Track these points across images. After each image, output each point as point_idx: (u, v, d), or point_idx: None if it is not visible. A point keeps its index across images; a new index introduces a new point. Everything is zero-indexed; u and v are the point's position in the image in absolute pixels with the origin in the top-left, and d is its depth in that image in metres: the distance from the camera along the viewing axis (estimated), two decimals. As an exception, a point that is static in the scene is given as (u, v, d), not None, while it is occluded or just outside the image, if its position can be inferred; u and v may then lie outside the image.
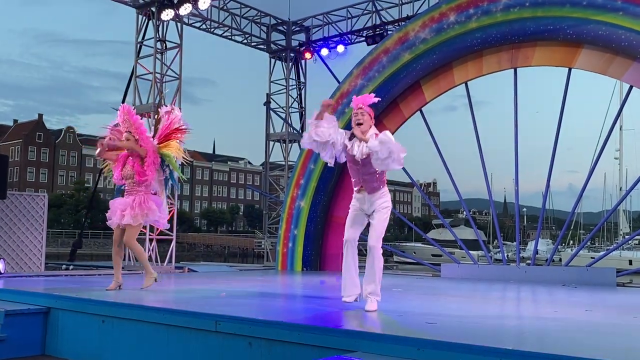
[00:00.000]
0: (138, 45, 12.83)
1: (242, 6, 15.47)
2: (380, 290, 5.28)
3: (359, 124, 5.29)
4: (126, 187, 6.72)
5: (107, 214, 6.74)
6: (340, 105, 11.43)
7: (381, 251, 5.31)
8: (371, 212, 5.32)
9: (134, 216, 6.50)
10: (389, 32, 12.99)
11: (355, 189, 5.44)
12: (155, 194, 6.83)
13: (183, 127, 6.96)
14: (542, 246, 37.67)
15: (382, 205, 5.29)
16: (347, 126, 12.03)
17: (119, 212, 6.55)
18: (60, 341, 5.62)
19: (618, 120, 12.85)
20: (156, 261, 12.09)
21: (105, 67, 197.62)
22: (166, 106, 7.23)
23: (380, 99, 5.61)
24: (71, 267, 12.59)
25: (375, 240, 5.25)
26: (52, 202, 46.36)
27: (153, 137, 6.96)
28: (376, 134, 5.22)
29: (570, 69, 9.92)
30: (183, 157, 6.96)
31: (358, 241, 5.52)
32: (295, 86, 16.81)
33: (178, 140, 6.92)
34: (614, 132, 12.10)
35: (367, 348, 3.70)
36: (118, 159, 6.77)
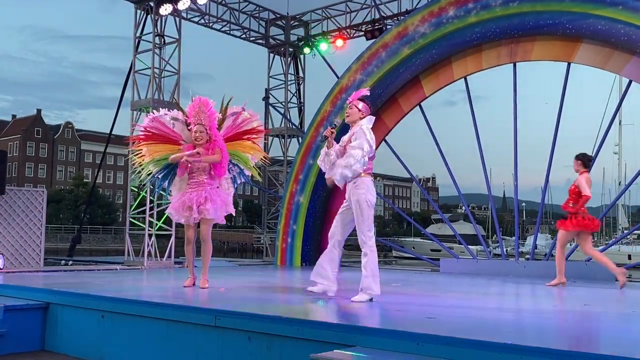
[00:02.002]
0: (136, 40, 12.79)
1: (241, 1, 15.42)
2: (376, 285, 5.29)
3: (347, 116, 5.57)
4: (192, 180, 6.43)
5: (170, 211, 6.53)
6: (339, 100, 11.41)
7: (371, 244, 5.34)
8: (353, 202, 5.38)
9: (217, 210, 6.36)
10: (388, 27, 12.96)
11: None
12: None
13: (259, 127, 6.78)
14: (541, 241, 37.67)
15: (360, 197, 5.32)
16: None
17: (196, 206, 6.29)
18: (60, 336, 5.63)
19: (617, 115, 12.84)
20: (155, 256, 12.08)
21: (104, 62, 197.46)
22: (233, 107, 6.89)
23: (369, 92, 5.80)
24: (70, 262, 12.60)
25: (363, 236, 5.32)
26: (51, 198, 46.31)
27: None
28: (352, 134, 5.41)
29: (569, 64, 9.90)
30: (262, 158, 6.84)
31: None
32: (294, 81, 16.77)
33: (252, 141, 6.75)
34: (613, 127, 12.11)
35: (366, 343, 3.71)
36: (183, 151, 6.52)
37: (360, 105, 5.54)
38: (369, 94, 5.71)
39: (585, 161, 8.08)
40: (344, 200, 5.52)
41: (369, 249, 5.32)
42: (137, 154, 6.81)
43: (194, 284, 6.64)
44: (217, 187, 6.52)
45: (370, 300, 5.31)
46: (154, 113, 6.84)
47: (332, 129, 5.61)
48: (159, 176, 6.87)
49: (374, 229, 5.47)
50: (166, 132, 6.70)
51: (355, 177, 5.36)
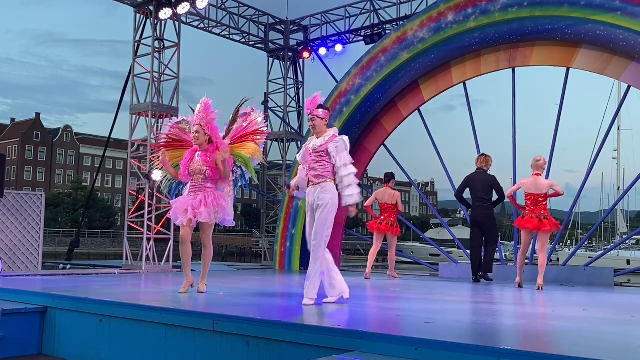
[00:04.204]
0: (136, 44, 12.81)
1: (240, 5, 15.46)
2: (313, 291, 5.43)
3: (313, 127, 5.62)
4: (192, 184, 6.39)
5: (170, 213, 6.46)
6: (338, 104, 11.43)
7: (323, 251, 5.47)
8: (315, 207, 5.46)
9: (211, 214, 6.25)
10: (387, 32, 12.98)
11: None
12: None
13: (262, 128, 6.72)
14: (540, 246, 37.68)
15: (325, 200, 5.41)
16: (344, 126, 12.01)
17: (190, 209, 6.22)
18: (57, 340, 5.61)
19: (616, 120, 12.86)
20: (154, 260, 12.07)
21: (104, 66, 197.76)
22: (245, 108, 6.86)
23: (324, 99, 5.98)
24: (68, 266, 12.59)
25: (317, 240, 5.41)
26: (50, 201, 46.28)
27: (224, 137, 6.67)
28: (326, 141, 5.51)
29: (568, 69, 9.92)
30: (259, 158, 6.74)
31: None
32: (293, 85, 16.80)
33: (255, 142, 6.69)
34: (612, 132, 12.12)
35: (364, 347, 3.70)
36: (185, 155, 6.49)
37: (321, 112, 5.62)
38: (323, 98, 5.83)
39: (385, 178, 10.34)
40: (307, 204, 5.57)
41: (321, 253, 5.44)
42: (158, 160, 7.00)
43: (191, 286, 6.56)
44: (216, 190, 6.42)
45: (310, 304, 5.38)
46: (172, 120, 6.95)
47: (288, 189, 5.97)
48: (176, 181, 6.97)
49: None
50: (184, 138, 6.78)
51: (322, 183, 5.46)
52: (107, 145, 16.06)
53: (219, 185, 6.48)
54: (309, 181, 5.59)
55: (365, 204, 10.16)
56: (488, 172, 9.32)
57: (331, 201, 5.43)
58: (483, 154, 9.54)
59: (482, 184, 9.12)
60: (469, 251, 9.58)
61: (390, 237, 10.08)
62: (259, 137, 6.78)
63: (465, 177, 9.32)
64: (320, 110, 5.64)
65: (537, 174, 8.15)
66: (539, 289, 8.00)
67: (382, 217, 9.97)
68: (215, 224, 6.60)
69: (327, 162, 5.49)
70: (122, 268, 11.64)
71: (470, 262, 9.46)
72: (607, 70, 9.53)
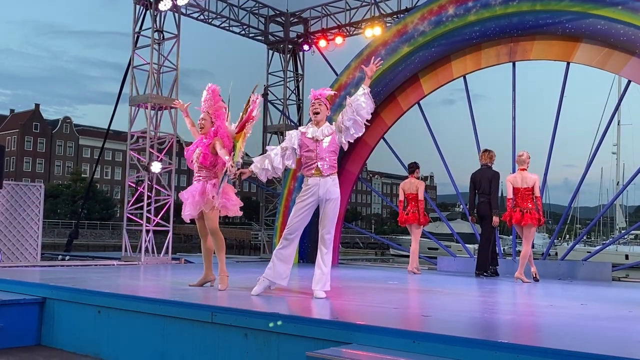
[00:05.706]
0: (135, 36, 12.76)
1: (240, -3, 15.41)
2: (328, 283, 5.48)
3: (316, 113, 5.53)
4: (194, 172, 6.28)
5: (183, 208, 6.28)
6: (338, 98, 11.40)
7: (332, 243, 5.52)
8: (325, 200, 5.39)
9: (207, 202, 6.03)
10: (388, 25, 12.95)
11: (307, 174, 5.48)
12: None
13: (254, 114, 6.36)
14: (539, 240, 37.73)
15: (337, 194, 5.44)
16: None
17: (189, 204, 6.11)
18: (56, 331, 5.63)
19: (616, 115, 12.86)
20: (153, 252, 12.08)
21: (104, 57, 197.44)
22: (254, 94, 6.45)
23: (336, 92, 5.89)
24: (67, 257, 12.60)
25: (331, 233, 5.45)
26: (49, 193, 46.24)
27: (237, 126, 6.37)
28: (332, 132, 5.51)
29: (568, 63, 9.90)
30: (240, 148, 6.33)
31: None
32: (293, 78, 16.76)
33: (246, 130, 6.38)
34: (612, 127, 12.13)
35: (362, 340, 3.71)
36: (198, 141, 6.29)
37: (328, 103, 5.65)
38: (334, 93, 5.82)
39: (409, 169, 10.08)
40: (309, 196, 5.42)
41: (330, 248, 5.49)
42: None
43: (211, 285, 6.37)
44: (211, 179, 6.17)
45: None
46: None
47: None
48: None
49: None
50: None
51: (332, 175, 5.45)
52: (106, 137, 16.06)
53: (217, 173, 6.21)
54: (315, 170, 5.41)
55: (399, 200, 10.17)
56: (492, 167, 9.30)
57: (338, 195, 5.47)
58: (486, 150, 9.49)
59: (484, 180, 9.15)
60: (469, 246, 9.62)
61: (415, 228, 9.90)
62: (249, 125, 6.51)
63: (470, 177, 9.34)
64: (326, 100, 5.64)
65: (522, 169, 8.43)
66: (516, 280, 8.21)
67: (408, 208, 9.91)
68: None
69: (336, 153, 5.51)
70: (120, 260, 11.65)
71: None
72: (607, 64, 9.51)
